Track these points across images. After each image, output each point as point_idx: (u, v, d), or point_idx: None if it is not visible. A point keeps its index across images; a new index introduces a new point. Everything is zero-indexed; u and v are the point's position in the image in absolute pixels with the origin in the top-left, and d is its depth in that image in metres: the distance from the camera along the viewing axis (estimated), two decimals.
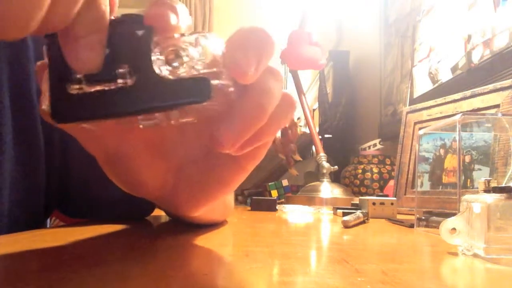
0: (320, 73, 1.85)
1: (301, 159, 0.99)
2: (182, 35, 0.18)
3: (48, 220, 0.45)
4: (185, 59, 0.17)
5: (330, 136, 1.67)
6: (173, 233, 0.35)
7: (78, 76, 0.17)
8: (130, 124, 0.20)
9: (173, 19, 0.18)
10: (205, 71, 0.17)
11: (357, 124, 1.75)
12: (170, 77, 0.17)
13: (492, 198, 0.26)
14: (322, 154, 0.95)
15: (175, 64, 0.17)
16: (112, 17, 0.17)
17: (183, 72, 0.17)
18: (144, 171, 0.24)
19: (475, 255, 0.26)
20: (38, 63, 0.19)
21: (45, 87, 0.17)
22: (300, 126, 1.63)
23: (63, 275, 0.17)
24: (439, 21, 1.04)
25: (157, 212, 0.46)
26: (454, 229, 0.28)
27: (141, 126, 0.19)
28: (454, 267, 0.25)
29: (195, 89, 0.17)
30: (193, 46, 0.18)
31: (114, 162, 0.24)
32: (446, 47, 0.99)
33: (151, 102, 0.17)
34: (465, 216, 0.28)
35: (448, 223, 0.28)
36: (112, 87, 0.17)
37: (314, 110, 2.01)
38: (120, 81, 0.17)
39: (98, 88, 0.17)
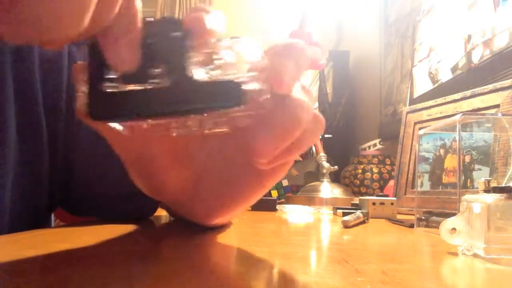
0: (320, 73, 1.85)
1: (301, 159, 0.99)
2: (219, 40, 0.18)
3: (52, 217, 0.45)
4: (220, 62, 0.18)
5: (330, 136, 1.67)
6: (174, 233, 0.35)
7: (115, 75, 0.17)
8: (164, 131, 0.20)
9: (209, 23, 0.18)
10: (240, 75, 0.18)
11: (357, 124, 1.75)
12: (205, 80, 0.17)
13: (492, 198, 0.26)
14: (322, 154, 0.95)
15: (210, 67, 0.17)
16: (152, 19, 0.18)
17: (217, 75, 0.17)
18: (165, 176, 0.24)
19: (475, 255, 0.26)
20: (76, 64, 0.19)
21: (81, 86, 0.17)
22: None
23: (64, 274, 0.17)
24: (439, 21, 1.04)
25: (159, 212, 0.46)
26: (454, 229, 0.28)
27: (174, 134, 0.20)
28: (454, 267, 0.25)
29: (228, 93, 0.17)
30: (229, 50, 0.18)
31: (139, 164, 0.24)
32: (446, 47, 0.99)
33: (184, 104, 0.17)
34: (465, 216, 0.28)
35: (448, 223, 0.28)
36: (147, 87, 0.17)
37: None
38: (154, 81, 0.17)
39: (133, 87, 0.17)
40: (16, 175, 0.34)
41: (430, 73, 1.06)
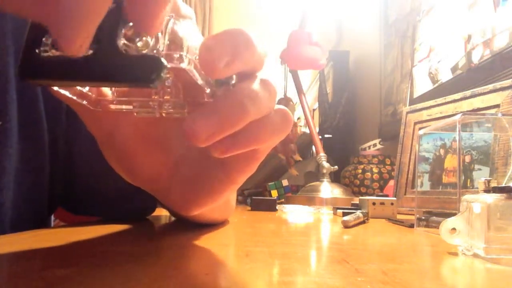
0: (320, 73, 1.85)
1: (301, 159, 1.00)
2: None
3: (52, 218, 0.45)
4: (148, 38, 0.17)
5: (330, 136, 1.67)
6: (174, 233, 0.35)
7: (48, 40, 0.17)
8: (126, 109, 0.20)
9: None
10: (167, 52, 0.17)
11: (357, 124, 1.75)
12: (129, 52, 0.17)
13: (492, 198, 0.26)
14: (322, 154, 0.95)
15: (137, 41, 0.17)
16: None
17: (143, 50, 0.17)
18: (139, 159, 0.24)
19: (475, 255, 0.26)
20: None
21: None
22: (300, 126, 1.63)
23: (64, 274, 0.17)
24: (439, 21, 1.04)
25: (158, 212, 0.46)
26: (454, 229, 0.28)
27: (135, 113, 0.20)
28: (454, 267, 0.25)
29: (147, 68, 0.17)
30: (163, 27, 0.18)
31: (110, 144, 0.24)
32: (446, 47, 0.99)
33: (104, 75, 0.17)
34: (465, 216, 0.28)
35: (448, 223, 0.28)
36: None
37: (314, 110, 2.01)
38: None
39: (62, 53, 0.17)
40: (18, 175, 0.34)
41: (430, 73, 1.06)
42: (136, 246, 0.27)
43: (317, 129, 1.78)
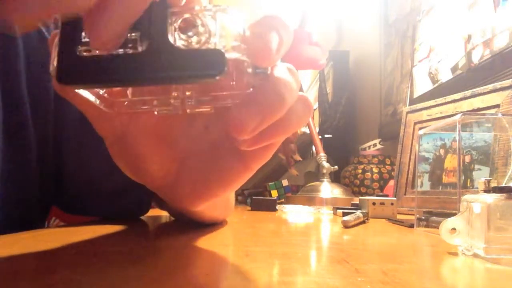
0: (320, 73, 1.85)
1: (301, 159, 0.99)
2: (203, 8, 0.17)
3: (46, 221, 0.45)
4: (201, 29, 0.16)
5: (330, 136, 1.67)
6: (173, 233, 0.35)
7: (88, 39, 0.16)
8: (145, 109, 0.19)
9: None
10: (221, 45, 0.16)
11: (357, 124, 1.75)
12: (183, 47, 0.16)
13: (492, 198, 0.26)
14: (322, 154, 0.95)
15: (190, 33, 0.16)
16: None
17: (197, 43, 0.16)
18: (149, 157, 0.24)
19: (475, 255, 0.26)
20: (53, 32, 0.19)
21: (54, 50, 0.16)
22: None
23: (63, 275, 0.17)
24: (439, 21, 1.04)
25: (158, 212, 0.46)
26: (454, 229, 0.28)
27: (156, 113, 0.19)
28: (454, 267, 0.25)
29: (208, 61, 0.16)
30: (211, 17, 0.17)
31: (121, 145, 0.24)
32: (446, 47, 0.99)
33: (160, 72, 0.16)
34: (465, 216, 0.28)
35: (448, 223, 0.28)
36: (122, 53, 0.16)
37: (314, 110, 2.01)
38: (130, 46, 0.16)
39: (107, 52, 0.16)
40: (4, 174, 0.34)
41: (430, 73, 1.06)
42: (136, 246, 0.27)
43: (317, 129, 1.78)
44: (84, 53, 0.16)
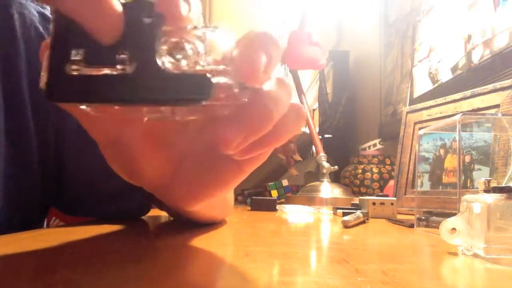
0: (320, 73, 1.85)
1: (301, 159, 0.99)
2: (193, 27, 0.17)
3: (45, 221, 0.45)
4: (190, 52, 0.17)
5: (330, 136, 1.67)
6: (172, 233, 0.35)
7: (78, 57, 0.16)
8: (135, 115, 0.19)
9: (184, 8, 0.17)
10: (210, 67, 0.17)
11: (357, 124, 1.75)
12: (172, 70, 0.16)
13: (492, 198, 0.26)
14: (322, 154, 0.95)
15: (179, 57, 0.17)
16: (123, 1, 0.17)
17: (185, 66, 0.17)
18: (143, 159, 0.24)
19: (475, 255, 0.26)
20: (44, 41, 0.19)
21: (45, 65, 0.17)
22: None
23: (63, 275, 0.17)
24: (439, 21, 1.04)
25: (157, 212, 0.46)
26: (454, 229, 0.28)
27: (146, 118, 0.19)
28: (454, 267, 0.25)
29: (195, 86, 0.16)
30: (200, 40, 0.17)
31: (114, 148, 0.24)
32: (446, 47, 0.99)
33: (147, 93, 0.16)
34: (465, 216, 0.28)
35: (448, 223, 0.28)
36: (111, 73, 0.16)
37: (314, 110, 2.01)
38: (119, 67, 0.16)
39: (96, 71, 0.16)
40: (6, 177, 0.34)
41: (430, 73, 1.06)
42: (135, 246, 0.27)
43: (317, 129, 1.78)
44: (74, 72, 0.16)
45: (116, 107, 0.19)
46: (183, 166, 0.24)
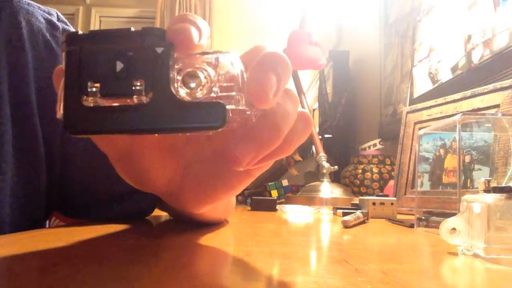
0: (320, 73, 1.85)
1: (301, 159, 0.99)
2: (203, 53, 0.17)
3: (47, 221, 0.45)
4: (203, 80, 0.17)
5: (330, 136, 1.67)
6: (173, 233, 0.35)
7: (94, 89, 0.16)
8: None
9: (195, 36, 0.17)
10: (223, 94, 0.17)
11: (357, 124, 1.75)
12: (186, 98, 0.17)
13: (492, 198, 0.26)
14: (322, 154, 0.95)
15: (193, 85, 0.17)
16: (133, 29, 0.17)
17: (200, 94, 0.17)
18: (153, 169, 0.24)
19: (475, 255, 0.26)
20: (57, 67, 0.19)
21: (61, 95, 0.17)
22: None
23: (64, 275, 0.17)
24: (439, 21, 1.04)
25: (158, 212, 0.46)
26: (454, 229, 0.28)
27: (156, 135, 0.19)
28: (454, 267, 0.25)
29: (210, 114, 0.17)
30: (213, 67, 0.17)
31: (125, 160, 0.24)
32: (446, 47, 0.99)
33: (164, 123, 0.16)
34: (465, 216, 0.28)
35: (448, 223, 0.28)
36: (127, 103, 0.16)
37: (314, 110, 2.01)
38: (135, 97, 0.16)
39: (113, 103, 0.16)
40: (14, 185, 0.34)
41: (430, 73, 1.06)
42: (136, 246, 0.27)
43: (317, 129, 1.79)
44: (90, 104, 0.16)
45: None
46: (191, 172, 0.24)
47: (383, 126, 1.41)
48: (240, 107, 0.17)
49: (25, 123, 0.35)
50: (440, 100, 0.80)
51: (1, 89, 0.33)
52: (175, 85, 0.17)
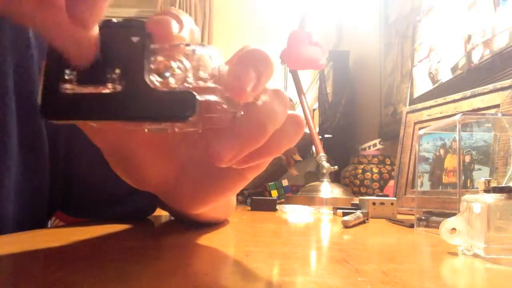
0: (320, 73, 1.85)
1: (301, 159, 0.99)
2: (182, 45, 0.18)
3: (49, 221, 0.45)
4: (177, 71, 0.17)
5: (330, 136, 1.67)
6: (174, 233, 0.35)
7: (71, 76, 0.17)
8: (135, 127, 0.20)
9: (174, 27, 0.18)
10: (198, 85, 0.17)
11: (357, 124, 1.75)
12: (159, 88, 0.17)
13: (492, 198, 0.26)
14: (322, 154, 0.95)
15: (167, 75, 0.17)
16: (114, 20, 0.17)
17: (173, 84, 0.17)
18: (146, 167, 0.24)
19: (475, 255, 0.26)
20: (42, 61, 0.19)
21: (40, 81, 0.17)
22: None
23: (64, 275, 0.17)
24: (439, 21, 1.04)
25: (158, 212, 0.46)
26: (454, 229, 0.28)
27: (146, 130, 0.20)
28: (454, 267, 0.25)
29: (181, 103, 0.17)
30: (188, 58, 0.17)
31: (118, 156, 0.24)
32: (446, 47, 0.99)
33: (135, 111, 0.17)
34: (465, 216, 0.28)
35: (448, 223, 0.28)
36: (102, 91, 0.17)
37: (314, 110, 2.01)
38: (109, 85, 0.17)
39: (88, 90, 0.17)
40: (18, 183, 0.34)
41: (430, 73, 1.06)
42: (136, 245, 0.27)
43: (317, 129, 1.78)
44: (67, 91, 0.17)
45: (113, 123, 0.19)
46: (186, 173, 0.24)
47: (383, 126, 1.41)
48: (218, 99, 0.18)
49: (30, 120, 0.35)
50: (440, 100, 0.80)
51: (7, 86, 0.33)
52: (150, 75, 0.17)
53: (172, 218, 0.45)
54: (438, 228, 0.29)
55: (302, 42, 0.98)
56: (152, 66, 0.17)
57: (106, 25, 0.17)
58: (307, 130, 1.06)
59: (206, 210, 0.25)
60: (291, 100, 0.97)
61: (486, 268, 0.24)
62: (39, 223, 0.37)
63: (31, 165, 0.35)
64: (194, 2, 3.09)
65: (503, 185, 0.27)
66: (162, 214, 0.50)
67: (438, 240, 0.34)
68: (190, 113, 0.17)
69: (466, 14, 0.90)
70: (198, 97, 0.17)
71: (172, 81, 0.17)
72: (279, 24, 2.64)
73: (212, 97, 0.18)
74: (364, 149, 1.48)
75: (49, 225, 0.45)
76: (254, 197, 0.77)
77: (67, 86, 0.17)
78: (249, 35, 2.84)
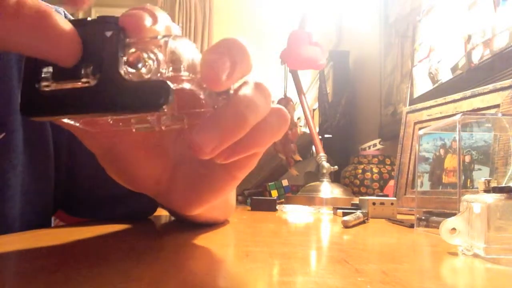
0: (320, 73, 1.85)
1: (301, 159, 0.99)
2: (154, 38, 0.18)
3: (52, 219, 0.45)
4: (150, 62, 0.17)
5: (330, 136, 1.67)
6: (174, 233, 0.35)
7: (47, 74, 0.17)
8: (123, 127, 0.20)
9: (147, 20, 0.18)
10: (172, 75, 0.17)
11: (357, 124, 1.75)
12: (134, 78, 0.17)
13: (492, 198, 0.26)
14: (322, 154, 0.95)
15: (140, 66, 0.17)
16: (89, 18, 0.18)
17: (147, 75, 0.17)
18: (138, 168, 0.24)
19: (475, 255, 0.26)
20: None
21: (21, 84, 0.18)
22: (300, 126, 1.63)
23: (64, 274, 0.17)
24: (439, 21, 1.04)
25: (159, 212, 0.46)
26: (454, 229, 0.28)
27: (134, 130, 0.20)
28: (454, 267, 0.25)
29: (154, 93, 0.17)
30: (161, 50, 0.18)
31: (110, 158, 0.24)
32: (446, 47, 0.99)
33: (110, 103, 0.17)
34: (465, 216, 0.28)
35: (448, 223, 0.28)
36: (77, 86, 0.17)
37: (314, 110, 2.01)
38: (84, 80, 0.17)
39: (65, 86, 0.17)
40: (24, 181, 0.34)
41: (430, 73, 1.06)
42: (136, 245, 0.27)
43: (317, 129, 1.78)
44: (45, 88, 0.17)
45: (105, 118, 0.20)
46: (178, 174, 0.25)
47: (383, 126, 1.41)
48: (193, 88, 0.18)
49: (35, 122, 0.35)
50: (440, 100, 0.80)
51: (12, 85, 0.33)
52: (124, 67, 0.17)
53: (173, 218, 0.45)
54: (438, 228, 0.29)
55: (302, 42, 0.98)
56: (125, 59, 0.17)
57: (82, 23, 0.18)
58: (307, 130, 1.06)
59: (203, 211, 0.25)
60: (291, 100, 0.98)
61: (486, 268, 0.24)
62: (44, 222, 0.38)
63: (36, 164, 0.35)
64: (194, 2, 3.09)
65: (503, 185, 0.27)
66: (162, 214, 0.50)
67: (438, 240, 0.34)
68: (163, 101, 0.17)
69: (466, 14, 0.90)
70: (171, 85, 0.17)
71: (145, 71, 0.17)
72: (279, 24, 2.64)
73: (187, 85, 0.18)
74: (364, 149, 1.48)
75: (52, 224, 0.45)
76: (254, 197, 0.77)
77: (45, 83, 0.17)
78: (249, 35, 2.84)
